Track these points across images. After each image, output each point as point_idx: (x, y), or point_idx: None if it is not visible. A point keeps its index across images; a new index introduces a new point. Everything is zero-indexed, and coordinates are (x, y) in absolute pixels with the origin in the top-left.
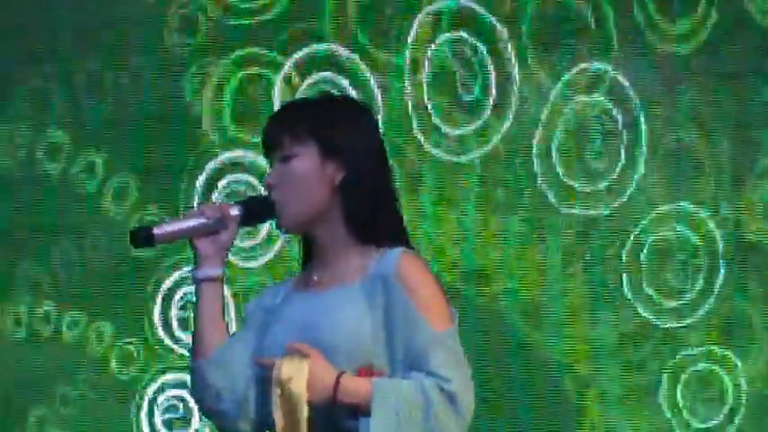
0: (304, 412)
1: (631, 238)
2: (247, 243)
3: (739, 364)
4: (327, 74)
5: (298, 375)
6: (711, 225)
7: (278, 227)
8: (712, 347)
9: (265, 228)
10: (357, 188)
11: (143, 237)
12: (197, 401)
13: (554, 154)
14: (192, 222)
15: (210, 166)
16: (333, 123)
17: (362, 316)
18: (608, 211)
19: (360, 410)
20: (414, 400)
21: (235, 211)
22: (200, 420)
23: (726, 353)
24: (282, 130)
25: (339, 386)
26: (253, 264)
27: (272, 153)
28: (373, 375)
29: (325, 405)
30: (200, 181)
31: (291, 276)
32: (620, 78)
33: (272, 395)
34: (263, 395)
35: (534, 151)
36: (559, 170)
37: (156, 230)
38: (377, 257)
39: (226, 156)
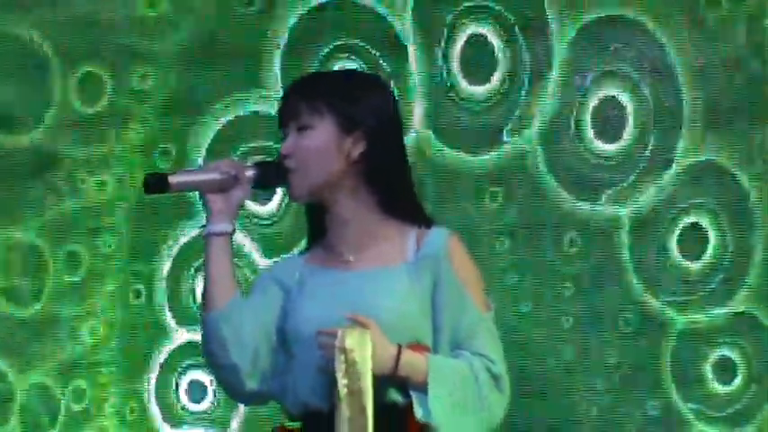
0: (369, 381)
1: None
2: None
3: None
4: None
5: (361, 346)
6: None
7: (290, 196)
8: None
9: None
10: (382, 162)
11: (157, 183)
12: (208, 356)
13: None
14: (206, 175)
15: None
16: (351, 97)
17: (410, 296)
18: None
19: (412, 384)
20: (466, 378)
21: (249, 172)
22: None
23: None
24: (300, 102)
25: (400, 359)
26: None
27: (287, 123)
28: (420, 350)
29: (382, 377)
30: None
31: (294, 253)
32: None
33: (336, 362)
34: (293, 365)
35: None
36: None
37: (171, 178)
38: (417, 236)
39: None
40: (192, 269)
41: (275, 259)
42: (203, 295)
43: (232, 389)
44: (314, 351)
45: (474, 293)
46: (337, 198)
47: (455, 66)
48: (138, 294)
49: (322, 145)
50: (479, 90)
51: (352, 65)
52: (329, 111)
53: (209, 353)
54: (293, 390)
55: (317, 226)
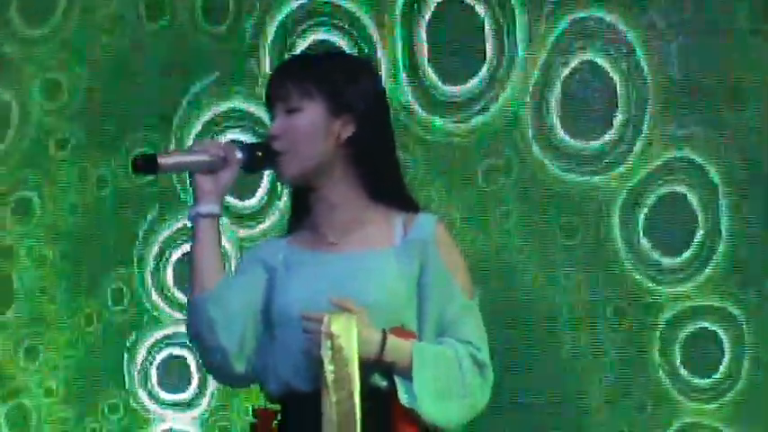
0: (355, 366)
1: None
2: None
3: None
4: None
5: (347, 331)
6: None
7: (278, 178)
8: None
9: None
10: (370, 146)
11: (146, 163)
12: (195, 339)
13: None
14: (195, 157)
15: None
16: (341, 80)
17: (398, 279)
18: None
19: (396, 370)
20: (450, 365)
21: (238, 154)
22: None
23: None
24: (289, 83)
25: (386, 344)
26: None
27: (276, 104)
28: (405, 335)
29: (367, 362)
30: None
31: (280, 235)
32: None
33: (322, 348)
34: (276, 346)
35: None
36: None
37: (160, 159)
38: (405, 221)
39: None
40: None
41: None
42: (190, 277)
43: (220, 371)
44: (298, 332)
45: (460, 280)
46: (325, 181)
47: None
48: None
49: (311, 127)
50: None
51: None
52: (319, 93)
53: (197, 335)
54: (275, 370)
55: (301, 208)
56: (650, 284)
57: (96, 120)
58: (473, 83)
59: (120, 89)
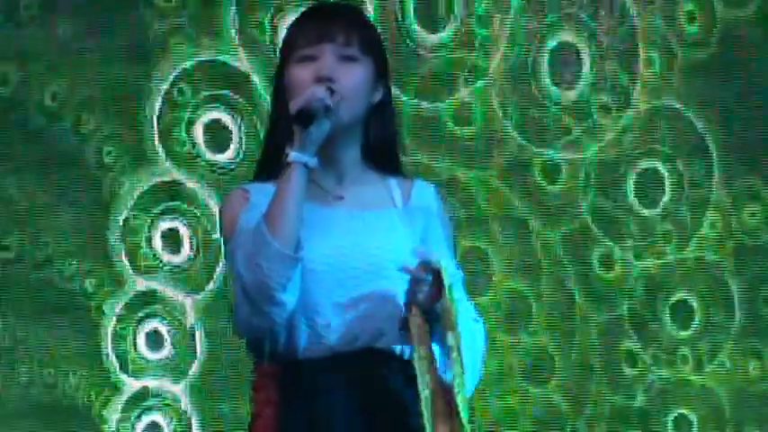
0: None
1: None
2: None
3: None
4: None
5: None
6: None
7: (333, 122)
8: None
9: None
10: (391, 115)
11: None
12: (259, 286)
13: None
14: (317, 102)
15: None
16: (383, 48)
17: (407, 237)
18: None
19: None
20: (476, 339)
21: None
22: None
23: None
24: (353, 31)
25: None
26: None
27: (324, 45)
28: None
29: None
30: None
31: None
32: None
33: (443, 298)
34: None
35: None
36: None
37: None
38: (403, 186)
39: None
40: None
41: None
42: (275, 219)
43: (267, 319)
44: (321, 288)
45: (454, 251)
46: (345, 139)
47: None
48: None
49: (367, 83)
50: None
51: None
52: (373, 52)
53: (263, 286)
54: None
55: (275, 157)
56: None
57: None
58: None
59: None
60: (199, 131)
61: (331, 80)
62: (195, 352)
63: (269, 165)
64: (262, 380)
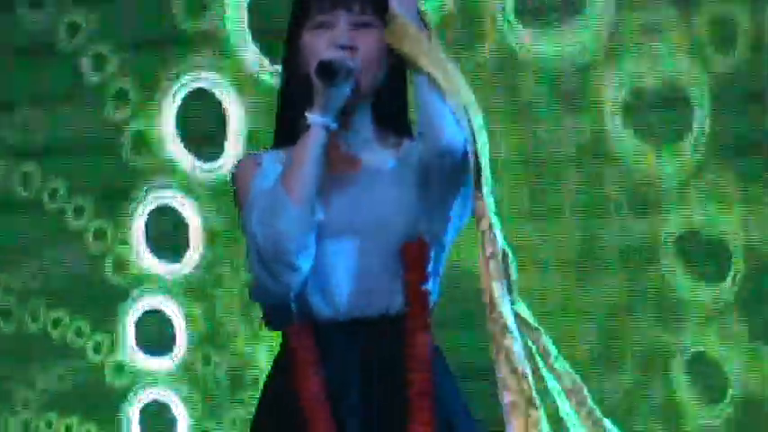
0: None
1: None
2: None
3: None
4: None
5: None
6: None
7: (354, 90)
8: None
9: None
10: (402, 77)
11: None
12: (275, 250)
13: None
14: (346, 63)
15: None
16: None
17: (408, 194)
18: None
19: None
20: None
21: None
22: None
23: None
24: None
25: None
26: None
27: (339, 11)
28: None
29: None
30: None
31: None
32: None
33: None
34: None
35: None
36: None
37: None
38: (415, 148)
39: None
40: None
41: None
42: (293, 179)
43: (283, 286)
44: (338, 248)
45: None
46: (362, 106)
47: None
48: None
49: (382, 49)
50: None
51: None
52: (383, 17)
53: (282, 251)
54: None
55: (289, 125)
56: None
57: None
58: None
59: None
60: None
61: (352, 48)
62: None
63: (282, 134)
64: (280, 344)
